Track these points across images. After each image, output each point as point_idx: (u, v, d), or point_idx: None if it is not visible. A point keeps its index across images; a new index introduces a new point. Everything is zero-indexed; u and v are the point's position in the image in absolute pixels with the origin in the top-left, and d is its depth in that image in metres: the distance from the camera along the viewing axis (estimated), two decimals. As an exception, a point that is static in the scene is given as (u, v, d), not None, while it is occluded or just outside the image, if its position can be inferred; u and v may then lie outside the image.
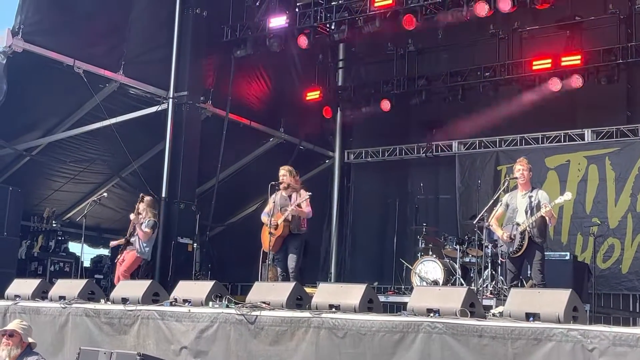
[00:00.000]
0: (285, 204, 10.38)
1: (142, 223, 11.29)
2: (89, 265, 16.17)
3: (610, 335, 5.98)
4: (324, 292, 8.19)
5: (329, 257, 19.50)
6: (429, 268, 12.99)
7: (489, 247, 11.81)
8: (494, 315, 7.90)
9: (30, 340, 7.07)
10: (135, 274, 11.42)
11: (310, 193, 10.25)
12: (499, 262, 11.54)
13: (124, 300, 9.20)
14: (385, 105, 17.76)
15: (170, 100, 15.42)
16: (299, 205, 10.22)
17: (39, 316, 9.63)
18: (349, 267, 19.18)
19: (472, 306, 7.16)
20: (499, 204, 9.92)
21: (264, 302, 8.14)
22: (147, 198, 11.64)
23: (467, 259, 13.05)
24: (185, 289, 9.20)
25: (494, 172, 17.14)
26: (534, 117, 16.52)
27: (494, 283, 12.14)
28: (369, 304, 7.82)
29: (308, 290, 8.92)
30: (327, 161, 19.96)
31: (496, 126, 17.21)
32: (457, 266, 12.90)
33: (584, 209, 15.96)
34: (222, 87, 16.60)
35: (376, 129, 19.04)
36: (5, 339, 7.00)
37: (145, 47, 15.35)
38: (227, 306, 8.48)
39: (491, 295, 11.48)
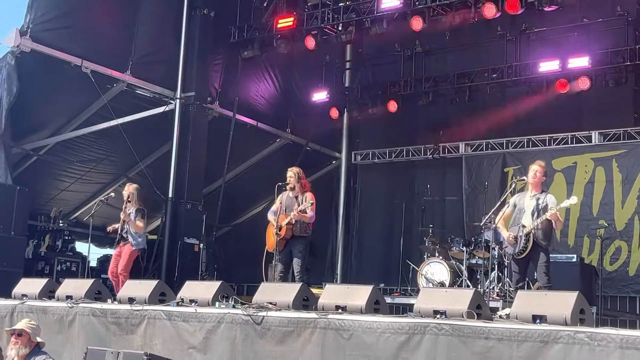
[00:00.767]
0: (291, 204, 10.38)
1: (129, 213, 11.22)
2: (95, 265, 16.20)
3: (618, 337, 5.96)
4: (330, 293, 8.19)
5: (335, 258, 19.51)
6: (435, 269, 13.00)
7: (496, 248, 11.80)
8: (500, 317, 7.88)
9: (38, 339, 7.09)
10: (134, 265, 11.42)
11: (312, 202, 10.21)
12: (506, 264, 11.52)
13: (131, 300, 9.21)
14: (392, 106, 17.78)
15: (178, 100, 15.45)
16: (302, 211, 10.20)
17: (46, 315, 9.64)
18: (355, 268, 19.17)
19: (478, 308, 7.15)
20: (507, 204, 9.91)
21: (271, 303, 8.15)
22: (133, 186, 11.53)
23: (473, 261, 13.04)
24: (191, 289, 9.20)
25: (500, 174, 17.12)
26: (541, 119, 16.52)
27: (500, 285, 12.14)
28: (375, 305, 7.81)
29: (314, 291, 8.92)
30: (333, 162, 19.98)
31: (503, 128, 17.21)
32: (463, 268, 12.90)
33: (591, 211, 15.93)
34: (230, 87, 16.64)
35: (383, 130, 19.05)
36: (14, 338, 7.02)
37: (153, 48, 15.39)
38: (234, 306, 8.49)
39: (498, 297, 11.49)
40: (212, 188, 17.14)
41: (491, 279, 12.14)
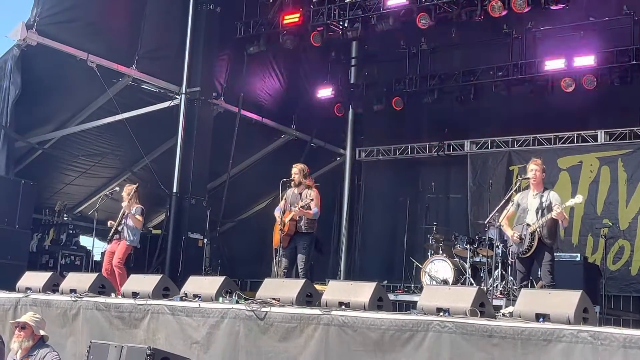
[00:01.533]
0: (295, 201, 10.39)
1: (131, 208, 11.31)
2: (99, 259, 16.20)
3: (621, 337, 5.95)
4: (333, 290, 8.19)
5: (339, 254, 19.52)
6: (438, 267, 13.00)
7: (500, 246, 11.78)
8: (503, 315, 7.88)
9: (42, 333, 7.11)
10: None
11: (313, 198, 10.22)
12: (509, 262, 11.50)
13: (135, 295, 9.23)
14: (397, 103, 17.76)
15: (183, 95, 15.48)
16: (305, 207, 10.20)
17: (49, 309, 9.65)
18: (359, 265, 19.20)
19: (482, 306, 7.14)
20: (510, 203, 9.89)
21: (274, 299, 8.16)
22: (132, 186, 11.65)
23: (477, 259, 13.03)
24: (195, 284, 9.21)
25: (505, 172, 17.11)
26: (547, 118, 16.50)
27: (504, 283, 12.13)
28: (378, 302, 7.81)
29: (318, 287, 8.92)
30: (338, 159, 19.99)
31: (508, 126, 17.21)
32: (467, 266, 12.89)
33: (595, 210, 15.92)
34: (235, 83, 16.66)
35: (388, 127, 19.04)
36: (17, 331, 7.05)
37: (159, 43, 15.40)
38: (237, 302, 8.49)
39: (501, 295, 11.48)
40: (216, 183, 17.16)
41: (495, 277, 12.13)
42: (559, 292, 7.24)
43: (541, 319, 6.66)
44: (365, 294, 7.77)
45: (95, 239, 13.77)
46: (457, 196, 17.98)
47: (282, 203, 10.48)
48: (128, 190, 11.51)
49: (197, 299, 8.81)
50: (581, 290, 6.89)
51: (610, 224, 15.14)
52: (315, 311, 7.70)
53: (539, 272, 9.82)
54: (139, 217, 11.36)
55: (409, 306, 11.12)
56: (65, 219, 15.75)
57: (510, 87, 16.62)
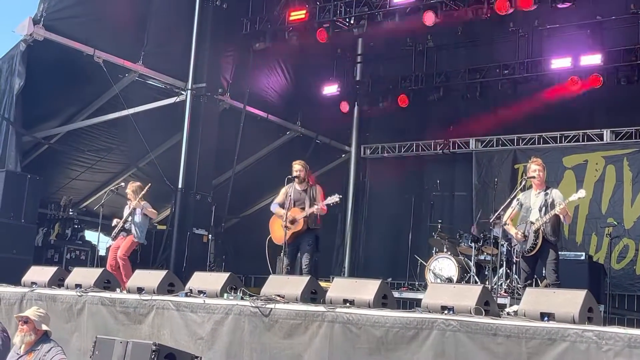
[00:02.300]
0: (299, 198, 10.39)
1: (142, 204, 11.34)
2: (104, 254, 16.23)
3: (626, 337, 5.95)
4: (338, 287, 8.21)
5: (343, 251, 19.53)
6: (443, 265, 13.00)
7: (504, 245, 11.78)
8: (508, 314, 7.88)
9: (45, 327, 7.12)
10: (132, 257, 11.50)
11: (324, 204, 10.30)
12: (514, 260, 11.50)
13: (140, 290, 9.24)
14: (403, 100, 17.78)
15: (189, 91, 15.47)
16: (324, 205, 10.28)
17: (55, 304, 9.68)
18: (363, 262, 19.20)
19: (486, 304, 7.15)
20: (515, 202, 9.89)
21: (279, 295, 8.17)
22: (137, 183, 11.68)
23: (482, 257, 13.03)
24: (200, 280, 9.23)
25: (511, 171, 17.11)
26: (553, 116, 16.48)
27: (508, 281, 12.13)
28: (383, 300, 7.81)
29: (322, 284, 8.94)
30: (343, 155, 19.98)
31: (514, 124, 17.19)
32: (471, 264, 12.89)
33: (600, 209, 15.91)
34: (241, 79, 16.65)
35: (393, 124, 19.04)
36: (20, 325, 7.08)
37: (165, 39, 15.39)
38: (242, 298, 8.51)
39: (505, 294, 11.49)
40: (221, 179, 17.16)
41: (499, 275, 12.13)
42: (564, 291, 7.23)
43: (546, 318, 6.66)
44: (370, 292, 7.77)
45: (100, 233, 13.80)
46: (462, 194, 17.98)
47: (281, 199, 10.49)
48: (133, 187, 11.49)
49: (202, 295, 8.83)
50: (586, 290, 6.89)
51: (615, 223, 15.12)
52: (320, 308, 7.71)
53: (544, 271, 9.83)
54: (153, 210, 11.48)
55: (413, 304, 11.11)
56: (71, 213, 15.76)
57: (516, 85, 16.62)
